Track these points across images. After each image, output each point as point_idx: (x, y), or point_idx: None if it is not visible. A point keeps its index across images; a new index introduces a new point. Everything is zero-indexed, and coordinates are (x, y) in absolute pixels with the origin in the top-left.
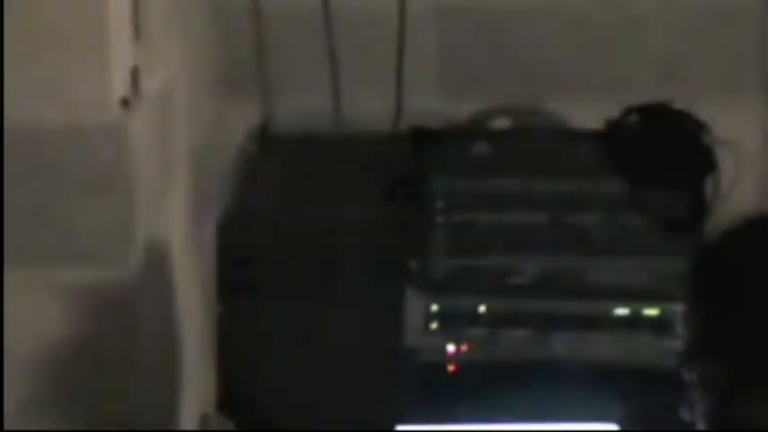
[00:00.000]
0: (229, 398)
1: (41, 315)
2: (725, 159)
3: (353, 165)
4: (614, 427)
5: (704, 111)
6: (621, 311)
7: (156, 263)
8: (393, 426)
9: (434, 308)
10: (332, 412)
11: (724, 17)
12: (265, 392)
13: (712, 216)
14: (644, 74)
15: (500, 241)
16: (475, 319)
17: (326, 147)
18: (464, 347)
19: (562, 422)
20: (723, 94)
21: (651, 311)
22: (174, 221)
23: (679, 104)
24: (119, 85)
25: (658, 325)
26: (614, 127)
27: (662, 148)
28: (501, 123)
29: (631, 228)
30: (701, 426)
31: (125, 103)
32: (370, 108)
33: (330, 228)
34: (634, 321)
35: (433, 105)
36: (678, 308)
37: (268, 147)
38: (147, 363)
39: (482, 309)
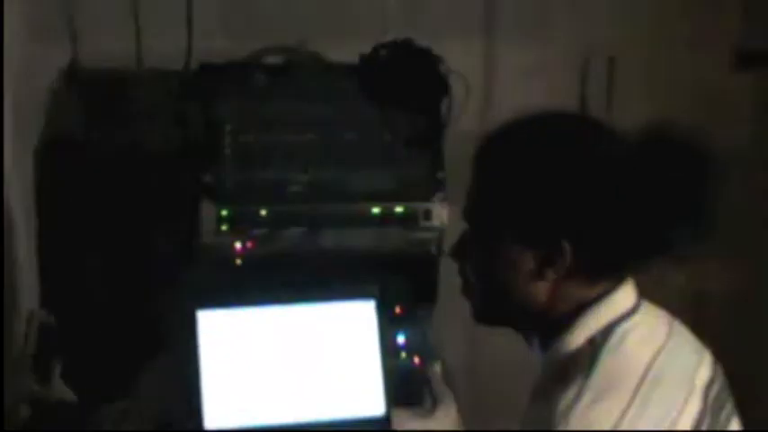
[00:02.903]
0: (51, 296)
1: None
2: (456, 87)
3: (152, 98)
4: (373, 303)
5: (439, 47)
6: (376, 210)
7: None
8: (193, 309)
9: (224, 213)
10: (133, 302)
11: None
12: (80, 291)
13: (447, 132)
14: (391, 16)
15: (278, 157)
16: (257, 221)
17: (128, 84)
18: (249, 244)
19: (331, 301)
20: (455, 34)
21: (399, 209)
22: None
23: (420, 42)
24: None
25: (405, 219)
26: (367, 60)
27: (406, 78)
28: (275, 59)
29: (383, 143)
30: None
31: None
32: (165, 49)
33: (132, 150)
34: (385, 218)
35: (217, 45)
36: (419, 206)
37: (76, 85)
38: None
39: (263, 212)
